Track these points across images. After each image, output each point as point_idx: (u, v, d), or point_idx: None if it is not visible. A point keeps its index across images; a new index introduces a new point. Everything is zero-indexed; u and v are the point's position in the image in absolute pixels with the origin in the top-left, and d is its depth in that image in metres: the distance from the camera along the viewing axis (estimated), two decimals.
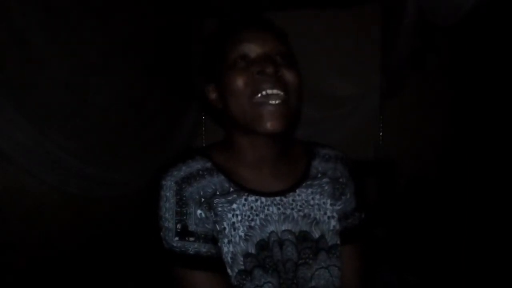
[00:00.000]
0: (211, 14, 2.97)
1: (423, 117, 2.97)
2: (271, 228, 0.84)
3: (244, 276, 0.80)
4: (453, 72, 2.88)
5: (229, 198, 0.83)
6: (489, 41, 2.52)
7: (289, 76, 0.80)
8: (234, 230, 0.82)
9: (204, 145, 3.21)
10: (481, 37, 2.54)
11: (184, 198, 0.80)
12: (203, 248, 0.79)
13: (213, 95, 0.87)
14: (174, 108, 2.79)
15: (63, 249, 1.80)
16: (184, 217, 0.80)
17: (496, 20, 2.24)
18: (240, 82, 0.78)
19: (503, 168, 2.37)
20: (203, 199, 0.81)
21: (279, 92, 0.77)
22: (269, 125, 0.77)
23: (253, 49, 0.80)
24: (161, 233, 0.80)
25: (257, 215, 0.83)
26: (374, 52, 2.96)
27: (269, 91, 0.77)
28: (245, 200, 0.83)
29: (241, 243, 0.81)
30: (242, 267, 0.80)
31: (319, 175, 0.91)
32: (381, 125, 3.05)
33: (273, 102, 0.77)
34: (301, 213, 0.86)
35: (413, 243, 2.47)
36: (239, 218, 0.82)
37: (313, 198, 0.89)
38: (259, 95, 0.77)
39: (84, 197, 1.92)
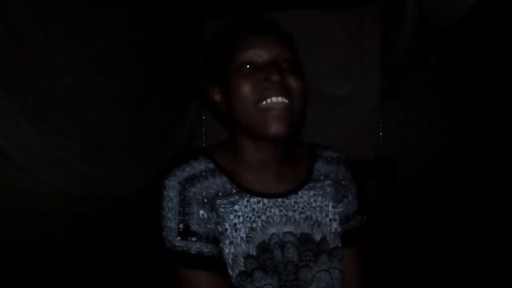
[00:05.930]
0: (211, 14, 2.97)
1: (423, 117, 2.97)
2: (272, 230, 0.84)
3: (244, 278, 0.80)
4: (453, 72, 2.88)
5: (231, 199, 0.83)
6: (489, 41, 2.52)
7: (294, 82, 0.80)
8: (236, 231, 0.82)
9: (204, 145, 3.21)
10: (481, 37, 2.55)
11: (187, 199, 0.80)
12: (205, 248, 0.79)
13: (217, 97, 0.88)
14: (174, 108, 2.79)
15: (63, 249, 1.80)
16: (187, 217, 0.80)
17: (496, 20, 2.24)
18: (246, 88, 0.79)
19: (503, 168, 2.38)
20: (205, 200, 0.82)
21: (284, 100, 0.78)
22: (274, 129, 0.77)
23: (259, 55, 0.80)
24: (163, 233, 0.80)
25: (258, 216, 0.84)
26: (374, 52, 2.97)
27: (274, 99, 0.78)
28: (247, 201, 0.84)
29: (242, 245, 0.82)
30: (243, 269, 0.81)
31: (322, 178, 0.92)
32: (381, 125, 3.05)
33: (278, 108, 0.78)
34: (303, 215, 0.87)
35: (413, 244, 2.47)
36: (241, 219, 0.83)
37: (315, 200, 0.89)
38: (264, 102, 0.78)
39: (84, 197, 1.92)
